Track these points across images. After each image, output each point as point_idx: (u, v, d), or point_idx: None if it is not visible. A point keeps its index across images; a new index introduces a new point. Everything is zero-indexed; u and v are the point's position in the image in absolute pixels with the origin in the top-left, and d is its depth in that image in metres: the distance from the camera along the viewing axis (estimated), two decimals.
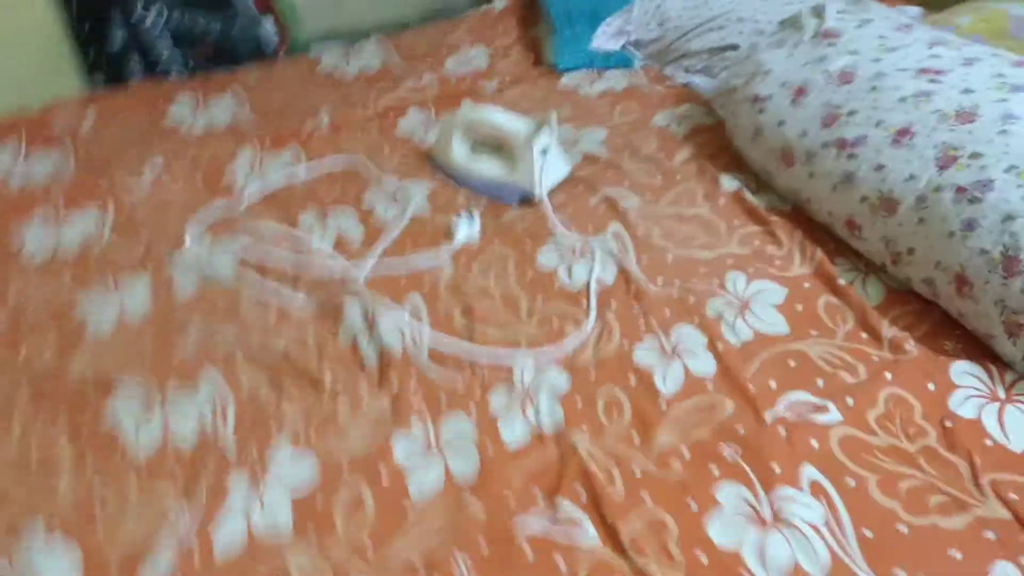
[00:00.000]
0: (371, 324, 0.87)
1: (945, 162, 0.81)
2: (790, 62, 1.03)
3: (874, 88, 0.91)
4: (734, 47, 1.27)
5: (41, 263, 1.01)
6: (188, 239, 1.00)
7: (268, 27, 1.73)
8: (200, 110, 1.35)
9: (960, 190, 0.78)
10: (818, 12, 1.05)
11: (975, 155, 0.79)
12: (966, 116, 0.82)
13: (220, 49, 1.64)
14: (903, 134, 0.85)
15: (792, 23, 1.08)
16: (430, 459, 0.73)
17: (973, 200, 0.77)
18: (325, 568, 0.65)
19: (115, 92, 1.42)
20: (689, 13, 1.36)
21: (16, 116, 1.31)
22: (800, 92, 0.98)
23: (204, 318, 0.90)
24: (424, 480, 0.72)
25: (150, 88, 1.43)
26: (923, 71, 0.90)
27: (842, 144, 0.90)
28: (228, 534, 0.67)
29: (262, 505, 0.70)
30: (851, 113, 0.91)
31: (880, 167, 0.86)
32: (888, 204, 0.84)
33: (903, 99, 0.88)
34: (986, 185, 0.77)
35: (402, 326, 0.87)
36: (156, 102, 1.37)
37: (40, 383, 0.83)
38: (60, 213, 1.09)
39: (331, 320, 0.89)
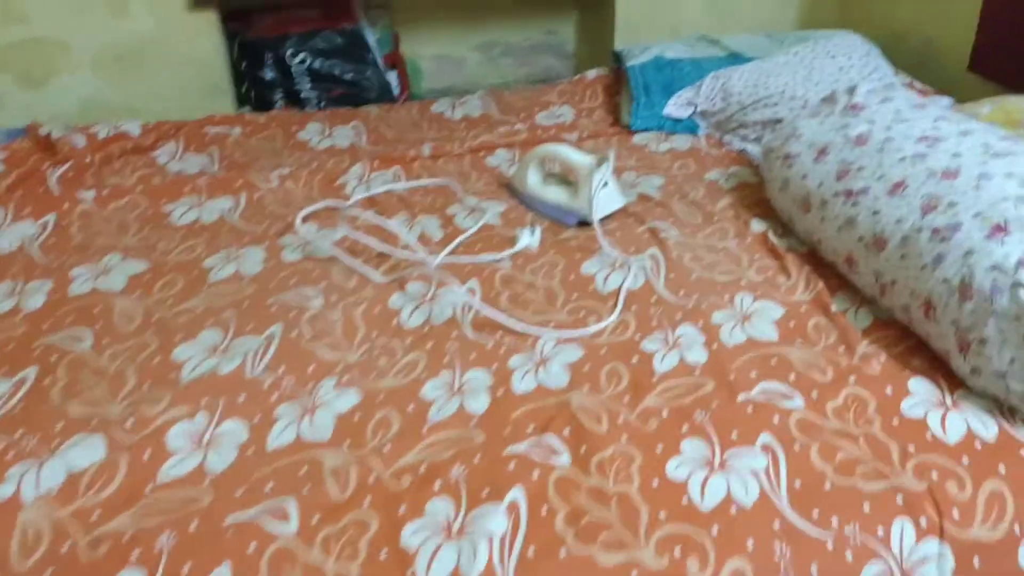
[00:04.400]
0: (432, 295, 1.06)
1: (927, 209, 0.94)
2: (820, 127, 1.18)
3: (881, 149, 1.06)
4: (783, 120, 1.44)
5: (183, 230, 1.25)
6: (299, 223, 1.23)
7: (393, 79, 2.01)
8: (326, 134, 1.61)
9: (935, 231, 0.92)
10: (850, 90, 1.21)
11: (952, 204, 0.92)
12: (951, 174, 0.96)
13: (351, 92, 1.92)
14: (898, 186, 0.99)
15: (829, 99, 1.24)
16: (451, 397, 0.90)
17: (944, 239, 0.90)
18: (352, 462, 0.81)
19: (259, 115, 1.70)
20: (749, 91, 1.54)
21: (179, 124, 1.60)
22: (823, 152, 1.14)
23: (298, 280, 1.11)
24: (442, 411, 0.88)
25: (288, 115, 1.70)
26: (923, 138, 1.04)
27: (848, 193, 1.05)
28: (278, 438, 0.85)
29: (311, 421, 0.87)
30: (860, 169, 1.06)
31: (876, 212, 1.00)
32: (879, 242, 0.98)
33: (903, 159, 1.02)
34: (956, 227, 0.90)
35: (456, 300, 1.05)
36: (291, 125, 1.64)
37: (157, 312, 1.05)
38: (203, 198, 1.35)
39: (398, 290, 1.08)
